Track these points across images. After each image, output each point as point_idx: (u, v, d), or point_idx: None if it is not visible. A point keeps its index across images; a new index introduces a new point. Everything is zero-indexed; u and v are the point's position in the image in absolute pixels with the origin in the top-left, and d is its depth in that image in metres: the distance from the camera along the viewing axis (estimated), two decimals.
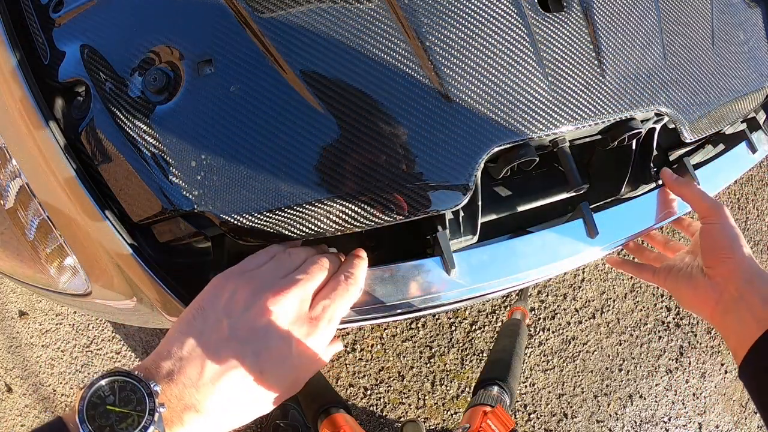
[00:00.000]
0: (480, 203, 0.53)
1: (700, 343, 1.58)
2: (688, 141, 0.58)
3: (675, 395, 1.55)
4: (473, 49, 0.49)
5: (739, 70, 0.62)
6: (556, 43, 0.52)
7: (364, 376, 1.43)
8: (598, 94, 0.52)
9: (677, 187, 0.57)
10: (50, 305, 1.40)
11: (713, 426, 1.56)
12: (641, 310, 1.57)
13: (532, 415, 1.48)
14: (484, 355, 1.46)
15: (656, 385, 1.55)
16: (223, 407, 0.37)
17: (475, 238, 0.57)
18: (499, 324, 1.48)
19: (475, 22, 0.50)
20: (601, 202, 0.65)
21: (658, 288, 1.59)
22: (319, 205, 0.47)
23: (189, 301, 0.43)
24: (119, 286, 0.55)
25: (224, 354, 0.38)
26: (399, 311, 0.53)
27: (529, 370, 1.50)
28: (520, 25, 0.51)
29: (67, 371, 1.38)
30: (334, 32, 0.48)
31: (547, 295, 1.54)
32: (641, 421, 1.52)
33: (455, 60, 0.49)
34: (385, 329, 1.45)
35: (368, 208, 0.48)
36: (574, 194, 0.60)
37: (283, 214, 0.47)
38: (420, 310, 0.54)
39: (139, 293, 0.55)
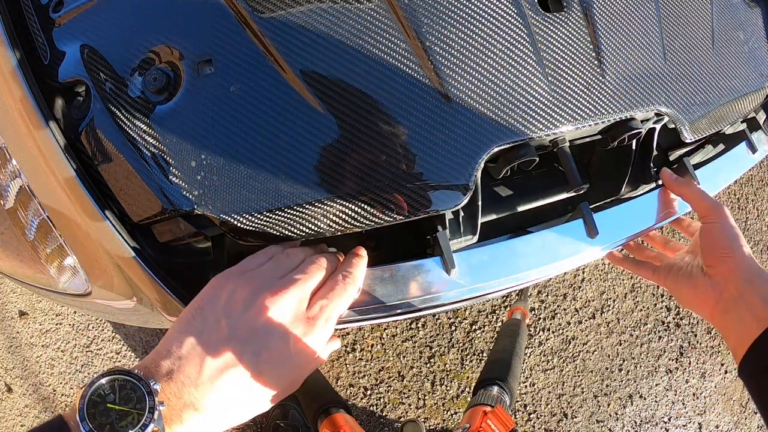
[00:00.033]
0: (480, 203, 0.53)
1: (700, 343, 1.58)
2: (688, 141, 0.58)
3: (675, 395, 1.55)
4: (473, 49, 0.49)
5: (739, 70, 0.62)
6: (556, 43, 0.52)
7: (364, 376, 1.43)
8: (598, 94, 0.52)
9: (677, 187, 0.57)
10: (50, 305, 1.40)
11: (713, 426, 1.56)
12: (641, 310, 1.57)
13: (532, 415, 1.48)
14: (484, 355, 1.46)
15: (656, 385, 1.55)
16: (222, 406, 0.38)
17: (475, 238, 0.57)
18: (499, 324, 1.48)
19: (475, 22, 0.50)
20: (601, 202, 0.65)
21: (657, 288, 1.59)
22: (319, 205, 0.47)
23: (189, 301, 0.43)
24: (119, 286, 0.55)
25: (223, 353, 0.38)
26: (399, 311, 0.53)
27: (529, 370, 1.50)
28: (520, 25, 0.51)
29: (67, 371, 1.38)
30: (334, 32, 0.48)
31: (547, 295, 1.54)
32: (641, 421, 1.52)
33: (455, 60, 0.49)
34: (385, 329, 1.45)
35: (368, 208, 0.48)
36: (574, 194, 0.60)
37: (283, 214, 0.47)
38: (420, 310, 0.54)
39: (139, 293, 0.55)
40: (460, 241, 0.56)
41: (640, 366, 1.55)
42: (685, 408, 1.55)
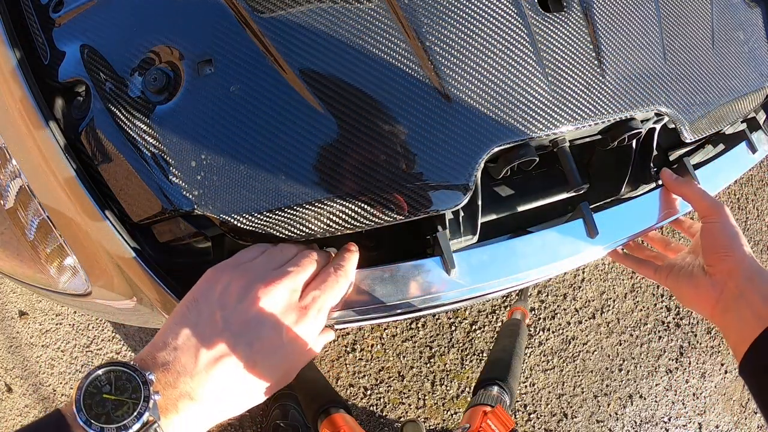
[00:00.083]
0: (480, 203, 0.53)
1: (700, 343, 1.58)
2: (688, 141, 0.58)
3: (675, 395, 1.55)
4: (473, 49, 0.49)
5: (739, 70, 0.62)
6: (556, 43, 0.52)
7: (364, 376, 1.43)
8: (598, 94, 0.52)
9: (677, 187, 0.57)
10: (50, 305, 1.40)
11: (713, 426, 1.56)
12: (641, 310, 1.57)
13: (532, 415, 1.48)
14: (484, 355, 1.46)
15: (656, 385, 1.55)
16: (217, 396, 0.38)
17: (475, 238, 0.57)
18: (499, 324, 1.48)
19: (475, 22, 0.50)
20: (601, 202, 0.65)
21: (657, 288, 1.59)
22: (319, 205, 0.47)
23: None
24: (119, 286, 0.55)
25: (218, 344, 0.39)
26: (399, 311, 0.53)
27: (529, 370, 1.50)
28: (520, 25, 0.51)
29: (67, 371, 1.38)
30: (334, 32, 0.48)
31: (547, 295, 1.54)
32: (641, 421, 1.52)
33: (455, 60, 0.49)
34: (385, 329, 1.45)
35: (368, 208, 0.48)
36: (574, 194, 0.60)
37: (283, 214, 0.47)
38: (420, 310, 0.54)
39: (139, 293, 0.55)
40: (460, 241, 0.56)
41: (640, 366, 1.55)
42: (685, 408, 1.55)
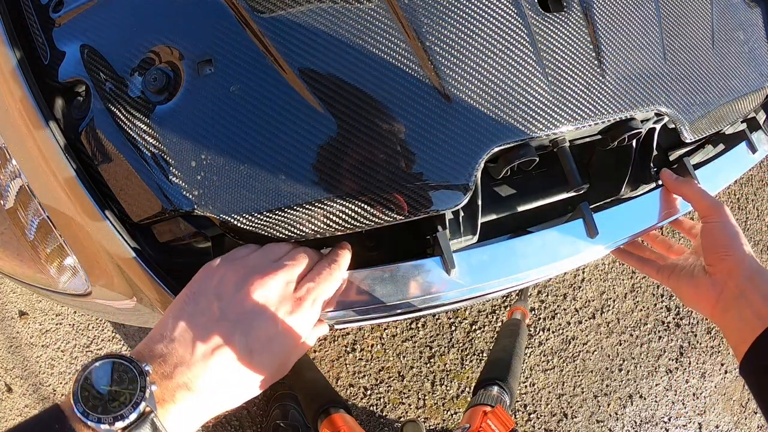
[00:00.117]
0: (480, 203, 0.53)
1: (700, 343, 1.58)
2: (688, 141, 0.58)
3: (675, 395, 1.55)
4: (473, 49, 0.49)
5: (739, 70, 0.62)
6: (556, 43, 0.52)
7: (364, 376, 1.43)
8: (598, 94, 0.52)
9: (677, 187, 0.57)
10: (50, 305, 1.40)
11: (713, 426, 1.56)
12: (641, 310, 1.57)
13: (532, 415, 1.48)
14: (484, 355, 1.46)
15: (656, 385, 1.55)
16: (214, 387, 0.38)
17: (475, 238, 0.57)
18: (499, 324, 1.48)
19: (475, 22, 0.50)
20: (601, 202, 0.65)
21: (657, 288, 1.59)
22: (319, 205, 0.47)
23: None
24: (119, 286, 0.55)
25: (215, 334, 0.39)
26: (399, 311, 0.53)
27: (529, 370, 1.50)
28: (520, 25, 0.51)
29: (67, 371, 1.38)
30: (334, 32, 0.48)
31: (547, 295, 1.54)
32: (641, 421, 1.52)
33: (455, 60, 0.49)
34: (385, 329, 1.45)
35: (368, 208, 0.48)
36: (574, 194, 0.60)
37: (283, 214, 0.47)
38: (420, 310, 0.54)
39: (139, 293, 0.55)
40: (460, 241, 0.56)
41: (640, 366, 1.55)
42: (685, 408, 1.55)
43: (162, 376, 0.37)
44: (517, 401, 1.48)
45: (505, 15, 0.50)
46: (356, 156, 0.47)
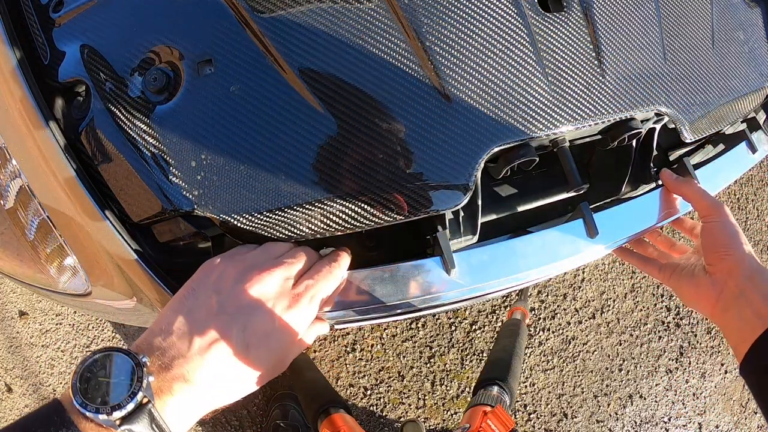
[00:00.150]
0: (480, 203, 0.53)
1: (700, 343, 1.58)
2: (688, 141, 0.58)
3: (675, 395, 1.55)
4: (473, 49, 0.49)
5: (739, 70, 0.62)
6: (556, 43, 0.52)
7: (364, 376, 1.43)
8: (598, 94, 0.52)
9: (677, 187, 0.57)
10: (50, 305, 1.40)
11: (713, 426, 1.56)
12: (641, 310, 1.57)
13: (532, 415, 1.48)
14: (484, 355, 1.46)
15: (656, 385, 1.55)
16: (211, 380, 0.39)
17: (475, 238, 0.57)
18: (499, 324, 1.48)
19: (475, 22, 0.50)
20: (601, 202, 0.65)
21: (658, 288, 1.59)
22: (320, 205, 0.47)
23: None
24: (119, 286, 0.55)
25: (212, 328, 0.40)
26: (399, 311, 0.53)
27: (529, 370, 1.50)
28: (520, 25, 0.51)
29: (67, 371, 1.38)
30: (334, 32, 0.48)
31: (547, 295, 1.54)
32: (641, 421, 1.52)
33: (455, 60, 0.49)
34: (385, 329, 1.45)
35: (368, 208, 0.48)
36: (574, 194, 0.60)
37: (283, 214, 0.47)
38: (420, 310, 0.54)
39: (139, 293, 0.55)
40: (460, 241, 0.56)
41: (640, 366, 1.55)
42: (685, 408, 1.55)
43: (160, 368, 0.37)
44: (517, 401, 1.48)
45: (505, 15, 0.50)
46: (356, 156, 0.47)
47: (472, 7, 0.50)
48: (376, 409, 1.42)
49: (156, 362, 0.38)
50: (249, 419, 1.36)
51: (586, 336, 1.53)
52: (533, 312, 1.52)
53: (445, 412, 1.44)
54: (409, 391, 1.44)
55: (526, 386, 1.49)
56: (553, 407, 1.49)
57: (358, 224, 0.48)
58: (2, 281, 1.40)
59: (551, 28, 0.52)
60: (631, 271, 1.59)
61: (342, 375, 1.42)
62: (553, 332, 1.52)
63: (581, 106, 0.51)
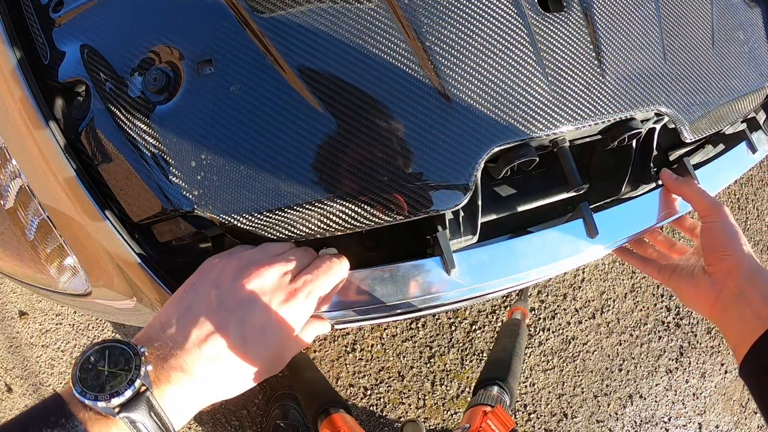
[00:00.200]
0: (480, 203, 0.53)
1: (700, 343, 1.58)
2: (688, 141, 0.58)
3: (675, 395, 1.55)
4: (473, 49, 0.49)
5: (739, 70, 0.62)
6: (556, 43, 0.52)
7: (364, 376, 1.43)
8: (598, 94, 0.52)
9: (677, 187, 0.57)
10: (50, 305, 1.40)
11: (713, 426, 1.56)
12: (641, 310, 1.57)
13: (532, 415, 1.48)
14: (484, 355, 1.46)
15: (656, 385, 1.55)
16: (207, 374, 0.39)
17: (475, 238, 0.57)
18: (499, 324, 1.48)
19: (475, 22, 0.50)
20: (601, 202, 0.65)
21: (657, 288, 1.59)
22: (319, 205, 0.47)
23: None
24: (119, 286, 0.55)
25: (210, 322, 0.40)
26: (399, 311, 0.53)
27: (529, 370, 1.50)
28: (520, 25, 0.51)
29: (67, 371, 1.38)
30: (334, 32, 0.48)
31: (547, 295, 1.54)
32: (641, 421, 1.52)
33: (455, 60, 0.49)
34: (385, 329, 1.45)
35: (368, 208, 0.48)
36: (574, 194, 0.60)
37: (283, 214, 0.47)
38: (420, 310, 0.54)
39: (139, 293, 0.55)
40: (460, 241, 0.56)
41: (640, 366, 1.55)
42: (685, 408, 1.55)
43: (158, 358, 0.38)
44: (517, 401, 1.48)
45: (505, 15, 0.50)
46: (356, 156, 0.47)
47: (472, 7, 0.50)
48: (376, 409, 1.42)
49: (154, 353, 0.38)
50: (249, 419, 1.36)
51: (586, 336, 1.53)
52: (533, 312, 1.52)
53: (445, 412, 1.44)
54: (409, 391, 1.44)
55: (526, 386, 1.49)
56: (553, 407, 1.49)
57: (358, 224, 0.48)
58: (2, 281, 1.40)
59: (551, 28, 0.52)
60: (631, 271, 1.59)
61: (342, 375, 1.42)
62: (553, 332, 1.52)
63: (581, 106, 0.51)
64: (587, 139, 0.57)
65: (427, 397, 1.44)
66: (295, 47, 0.48)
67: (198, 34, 0.48)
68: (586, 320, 1.54)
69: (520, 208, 0.63)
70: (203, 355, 0.39)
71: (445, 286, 0.52)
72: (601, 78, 0.52)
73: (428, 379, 1.45)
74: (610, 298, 1.56)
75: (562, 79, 0.51)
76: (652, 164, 0.61)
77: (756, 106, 0.67)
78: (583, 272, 1.56)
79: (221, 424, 1.35)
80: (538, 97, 0.50)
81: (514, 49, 0.50)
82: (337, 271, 0.47)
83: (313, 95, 0.47)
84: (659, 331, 1.57)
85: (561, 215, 0.66)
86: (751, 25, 0.64)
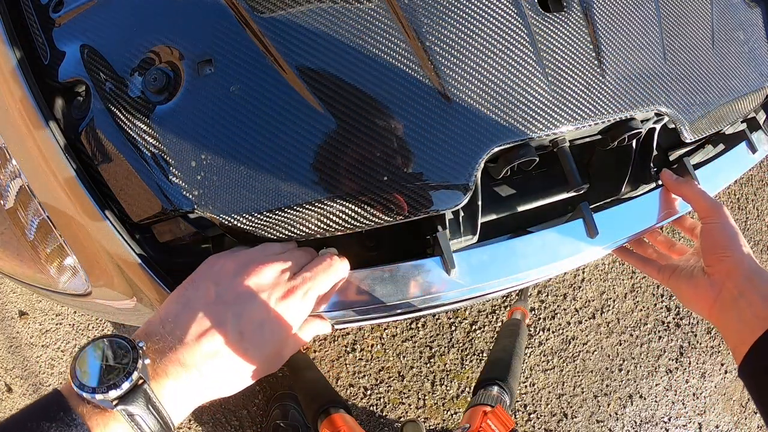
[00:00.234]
0: (480, 203, 0.53)
1: (700, 343, 1.58)
2: (688, 141, 0.58)
3: (675, 395, 1.55)
4: (473, 49, 0.49)
5: (739, 70, 0.62)
6: (556, 43, 0.52)
7: (364, 376, 1.43)
8: (598, 94, 0.52)
9: (677, 187, 0.57)
10: (50, 305, 1.40)
11: (713, 426, 1.56)
12: (641, 310, 1.57)
13: (532, 415, 1.48)
14: (484, 355, 1.46)
15: (656, 385, 1.55)
16: (205, 370, 0.39)
17: (475, 238, 0.57)
18: (499, 324, 1.48)
19: (475, 22, 0.50)
20: (601, 202, 0.65)
21: (657, 288, 1.59)
22: (319, 205, 0.47)
23: None
24: (119, 286, 0.55)
25: (209, 316, 0.40)
26: (399, 311, 0.53)
27: (529, 370, 1.50)
28: (520, 25, 0.51)
29: (67, 371, 1.38)
30: (334, 32, 0.48)
31: (547, 295, 1.54)
32: (641, 421, 1.52)
33: (455, 60, 0.49)
34: (385, 329, 1.45)
35: (368, 208, 0.48)
36: (574, 194, 0.60)
37: (283, 214, 0.47)
38: (420, 310, 0.54)
39: (139, 293, 0.55)
40: (460, 241, 0.56)
41: (640, 366, 1.55)
42: (685, 408, 1.55)
43: (156, 352, 0.38)
44: (517, 401, 1.48)
45: (505, 15, 0.50)
46: (356, 156, 0.47)
47: (472, 7, 0.50)
48: (376, 409, 1.42)
49: (153, 347, 0.39)
50: (249, 419, 1.36)
51: (586, 336, 1.53)
52: (533, 312, 1.52)
53: (445, 412, 1.44)
54: (409, 391, 1.44)
55: (526, 386, 1.49)
56: (553, 407, 1.49)
57: (358, 224, 0.48)
58: (2, 281, 1.40)
59: (551, 28, 0.52)
60: (631, 271, 1.59)
61: (342, 375, 1.42)
62: (553, 332, 1.52)
63: (581, 106, 0.51)
64: (587, 139, 0.57)
65: (427, 397, 1.44)
66: (295, 47, 0.48)
67: (198, 34, 0.48)
68: (586, 320, 1.54)
69: (520, 208, 0.63)
70: (201, 350, 0.39)
71: (445, 286, 0.52)
72: (601, 78, 0.52)
73: (428, 379, 1.45)
74: (610, 298, 1.56)
75: (562, 79, 0.51)
76: (652, 164, 0.61)
77: (756, 106, 0.67)
78: (583, 272, 1.56)
79: (221, 424, 1.35)
80: (538, 97, 0.50)
81: (514, 49, 0.50)
82: (336, 269, 0.47)
83: (313, 95, 0.47)
84: (659, 331, 1.57)
85: (561, 215, 0.66)
86: (751, 25, 0.64)
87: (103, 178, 0.50)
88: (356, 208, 0.48)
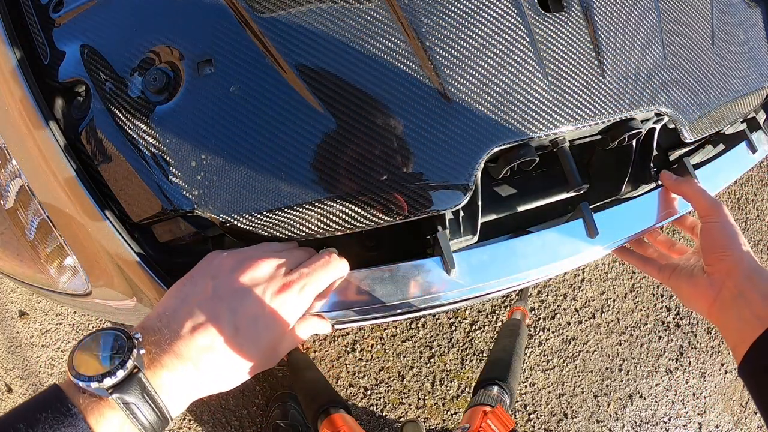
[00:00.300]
0: (480, 203, 0.53)
1: (700, 343, 1.58)
2: (688, 141, 0.58)
3: (675, 395, 1.55)
4: (473, 49, 0.49)
5: (739, 70, 0.62)
6: (556, 43, 0.52)
7: (364, 376, 1.43)
8: (598, 94, 0.52)
9: (677, 186, 0.57)
10: (50, 305, 1.40)
11: (713, 426, 1.56)
12: (641, 310, 1.57)
13: (532, 415, 1.48)
14: (484, 355, 1.46)
15: (656, 385, 1.55)
16: (201, 364, 0.39)
17: (475, 238, 0.57)
18: (499, 324, 1.48)
19: (475, 22, 0.50)
20: (601, 202, 0.65)
21: (658, 288, 1.59)
22: (320, 205, 0.47)
23: None
24: (119, 286, 0.55)
25: (205, 310, 0.41)
26: (399, 311, 0.53)
27: (529, 370, 1.50)
28: (520, 25, 0.51)
29: (66, 368, 1.38)
30: (334, 32, 0.48)
31: (547, 295, 1.54)
32: (641, 421, 1.52)
33: (455, 60, 0.49)
34: (385, 329, 1.45)
35: (368, 208, 0.48)
36: (574, 194, 0.60)
37: (283, 214, 0.47)
38: (420, 310, 0.54)
39: (139, 293, 0.55)
40: (460, 241, 0.56)
41: (640, 366, 1.55)
42: (685, 408, 1.55)
43: (153, 344, 0.39)
44: (517, 401, 1.48)
45: (505, 15, 0.50)
46: (356, 156, 0.47)
47: (472, 7, 0.50)
48: (376, 409, 1.42)
49: (150, 339, 0.39)
50: (249, 419, 1.36)
51: (586, 336, 1.53)
52: (533, 312, 1.52)
53: (445, 412, 1.44)
54: (409, 391, 1.44)
55: (526, 386, 1.49)
56: (553, 407, 1.49)
57: (358, 224, 0.48)
58: (2, 281, 1.40)
59: (551, 28, 0.52)
60: (631, 271, 1.59)
61: (342, 375, 1.42)
62: (553, 332, 1.52)
63: (581, 106, 0.51)
64: (587, 139, 0.57)
65: (427, 397, 1.44)
66: (295, 47, 0.48)
67: (198, 34, 0.48)
68: (586, 320, 1.54)
69: (520, 208, 0.63)
70: (196, 343, 0.39)
71: (445, 286, 0.52)
72: (601, 78, 0.52)
73: (428, 379, 1.45)
74: (610, 298, 1.56)
75: (562, 79, 0.51)
76: (652, 164, 0.61)
77: (756, 106, 0.67)
78: (583, 272, 1.56)
79: (221, 424, 1.35)
80: (538, 97, 0.50)
81: (514, 49, 0.50)
82: (334, 266, 0.47)
83: (313, 95, 0.47)
84: (659, 331, 1.57)
85: (561, 215, 0.66)
86: (751, 25, 0.64)
87: (103, 178, 0.50)
88: (356, 208, 0.48)
